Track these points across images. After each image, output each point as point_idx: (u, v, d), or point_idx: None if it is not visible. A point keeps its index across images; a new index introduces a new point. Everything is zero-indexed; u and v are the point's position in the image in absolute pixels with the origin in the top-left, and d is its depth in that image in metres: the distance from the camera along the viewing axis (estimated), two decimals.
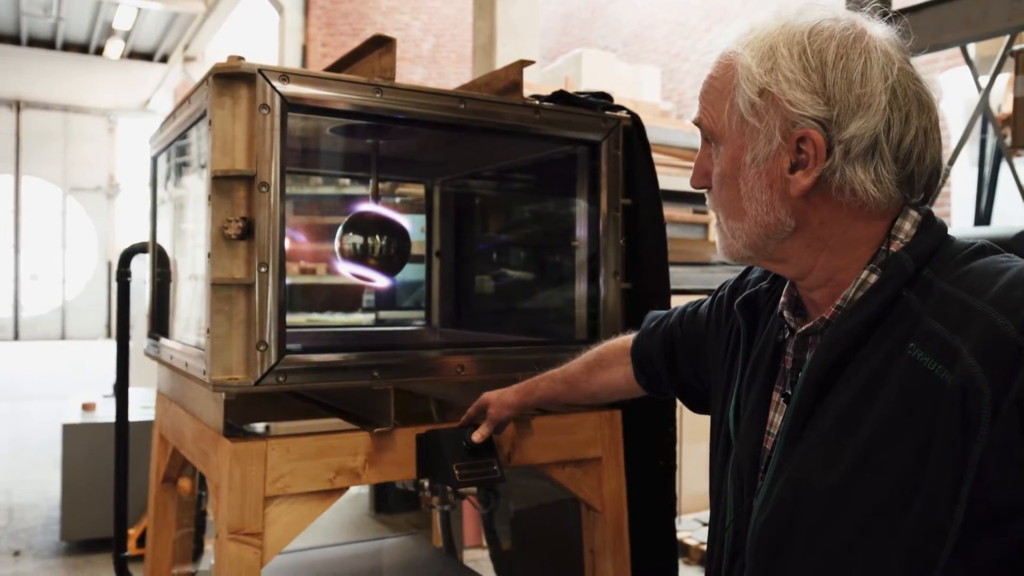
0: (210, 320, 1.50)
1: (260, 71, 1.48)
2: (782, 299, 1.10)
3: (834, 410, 0.94)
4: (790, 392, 1.03)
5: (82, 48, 17.75)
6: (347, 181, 3.28)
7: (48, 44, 17.49)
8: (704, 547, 4.29)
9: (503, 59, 6.07)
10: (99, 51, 17.72)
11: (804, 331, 1.04)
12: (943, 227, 0.99)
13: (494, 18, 6.15)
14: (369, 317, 4.33)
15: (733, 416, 1.11)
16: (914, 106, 0.96)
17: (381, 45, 1.67)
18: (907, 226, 0.99)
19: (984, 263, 0.92)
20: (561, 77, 6.63)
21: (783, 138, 0.97)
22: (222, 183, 1.50)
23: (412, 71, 10.46)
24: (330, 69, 1.88)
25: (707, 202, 1.10)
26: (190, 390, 1.81)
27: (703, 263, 5.70)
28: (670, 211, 3.32)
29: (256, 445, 1.51)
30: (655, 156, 2.75)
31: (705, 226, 5.82)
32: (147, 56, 18.05)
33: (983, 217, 4.32)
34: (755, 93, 0.98)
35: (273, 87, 1.49)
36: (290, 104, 1.51)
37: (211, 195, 1.50)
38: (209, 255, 1.50)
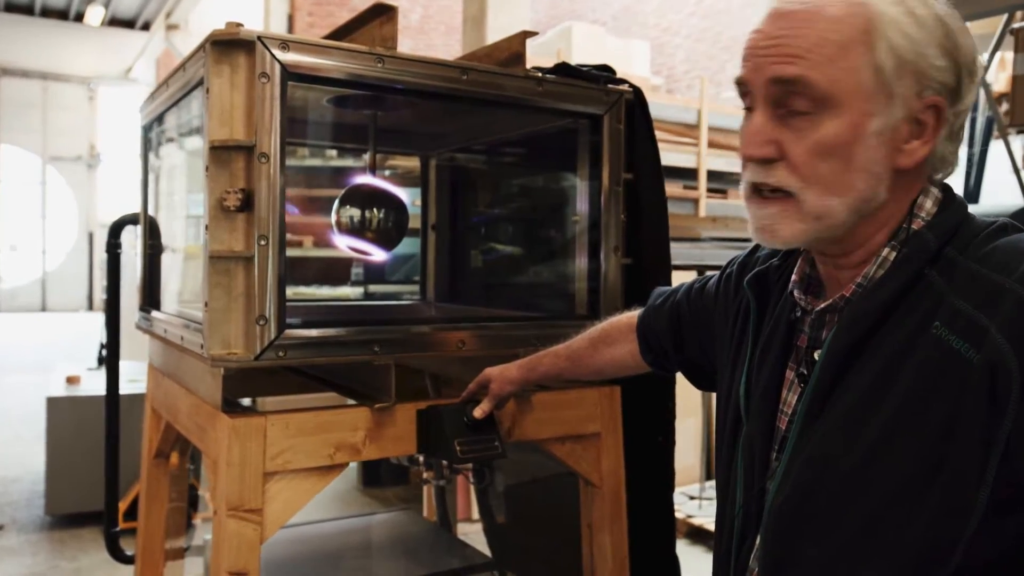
0: (208, 294, 1.47)
1: (259, 38, 1.44)
2: (793, 278, 1.07)
3: (855, 389, 0.93)
4: (805, 371, 1.02)
5: (61, 14, 17.47)
6: (334, 152, 3.23)
7: (26, 10, 17.20)
8: (691, 520, 4.32)
9: (494, 31, 6.00)
10: (79, 17, 17.46)
11: (822, 309, 1.02)
12: (963, 204, 0.98)
13: None
14: (358, 291, 4.31)
15: (744, 394, 1.10)
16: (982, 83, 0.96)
17: (382, 14, 1.63)
18: (928, 204, 0.97)
19: (1010, 241, 0.91)
20: (551, 50, 6.58)
21: (912, 104, 0.91)
22: (220, 154, 1.46)
23: (400, 42, 10.31)
24: (328, 38, 1.84)
25: (754, 176, 0.96)
26: (185, 364, 1.78)
27: (693, 239, 5.70)
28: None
29: (255, 421, 1.49)
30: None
31: (695, 201, 5.81)
32: (128, 23, 17.80)
33: (972, 194, 4.33)
34: (908, 51, 0.89)
35: (273, 55, 1.45)
36: (290, 73, 1.47)
37: (209, 166, 1.46)
38: (207, 227, 1.47)
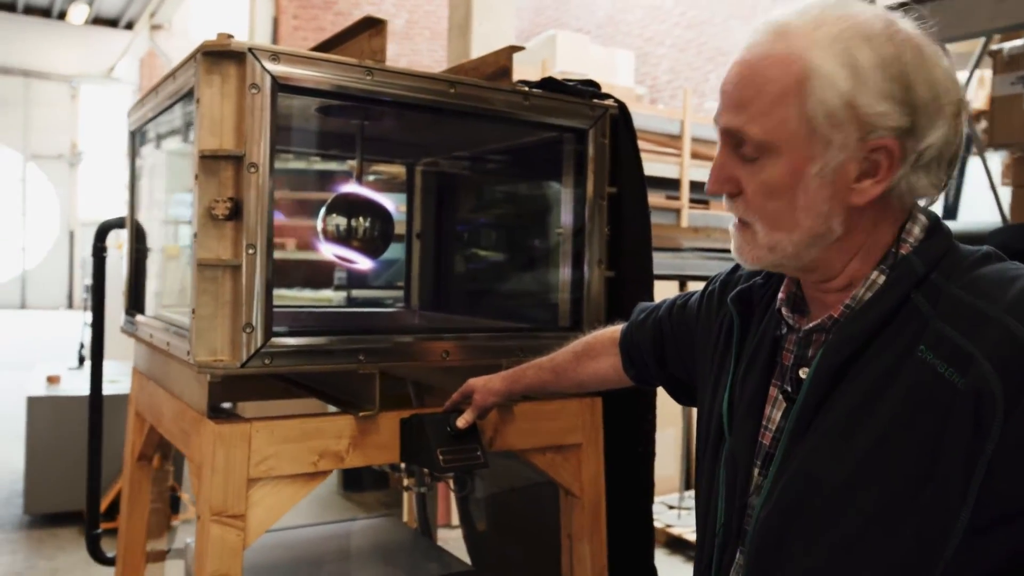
0: (196, 301, 1.48)
1: (250, 50, 1.46)
2: (780, 295, 1.10)
3: (842, 407, 0.95)
4: (789, 389, 1.04)
5: (44, 12, 17.34)
6: (318, 157, 3.25)
7: (9, 7, 17.06)
8: (670, 529, 4.36)
9: (479, 38, 6.03)
10: (62, 15, 17.33)
11: (810, 328, 1.04)
12: (950, 233, 1.01)
13: None
14: (341, 295, 4.30)
15: (727, 409, 1.13)
16: (965, 111, 0.97)
17: (372, 27, 1.65)
18: (916, 230, 1.00)
19: (994, 270, 0.94)
20: (535, 59, 6.61)
21: (856, 148, 0.94)
22: (209, 163, 1.47)
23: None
24: (317, 49, 1.85)
25: (726, 205, 1.03)
26: (171, 369, 1.79)
27: (675, 248, 5.74)
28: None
29: (240, 427, 1.50)
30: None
31: (677, 212, 5.86)
32: (112, 22, 17.69)
33: (950, 210, 4.40)
34: (838, 104, 0.92)
35: (263, 66, 1.47)
36: (280, 84, 1.49)
37: (198, 175, 1.48)
38: (195, 235, 1.48)
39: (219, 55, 1.47)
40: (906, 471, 0.89)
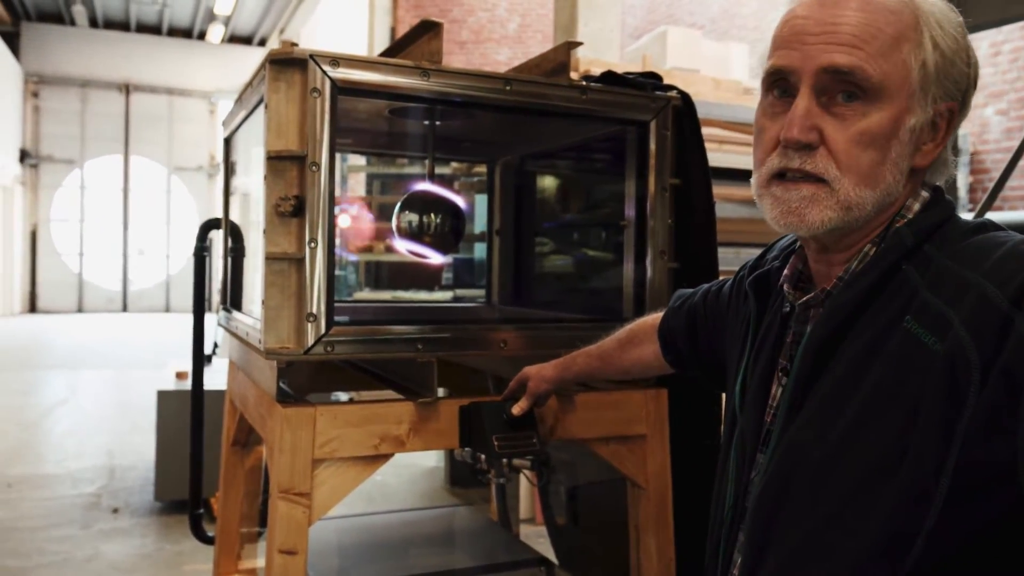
0: (265, 292, 1.59)
1: (312, 56, 1.55)
2: (785, 272, 1.10)
3: (830, 380, 0.95)
4: (788, 365, 1.05)
5: (186, 33, 18.54)
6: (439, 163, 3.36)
7: (154, 30, 18.32)
8: None
9: (584, 38, 6.04)
10: (201, 36, 18.49)
11: (804, 303, 1.05)
12: (950, 205, 1.00)
13: None
14: (447, 295, 4.41)
15: (740, 391, 1.13)
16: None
17: (430, 30, 1.72)
18: (915, 205, 1.00)
19: (983, 238, 0.92)
20: (637, 56, 6.56)
21: (935, 106, 0.95)
22: (276, 163, 1.58)
23: (498, 51, 10.51)
24: (385, 53, 1.94)
25: (793, 161, 0.95)
26: (252, 358, 1.92)
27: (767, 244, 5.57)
28: (741, 190, 3.27)
29: (305, 411, 1.60)
30: (734, 135, 2.69)
31: None
32: (246, 40, 18.72)
33: None
34: (939, 57, 0.92)
35: (324, 72, 1.56)
36: (340, 88, 1.58)
37: (266, 174, 1.58)
38: (264, 231, 1.59)
39: (284, 62, 1.57)
40: (887, 440, 0.88)
